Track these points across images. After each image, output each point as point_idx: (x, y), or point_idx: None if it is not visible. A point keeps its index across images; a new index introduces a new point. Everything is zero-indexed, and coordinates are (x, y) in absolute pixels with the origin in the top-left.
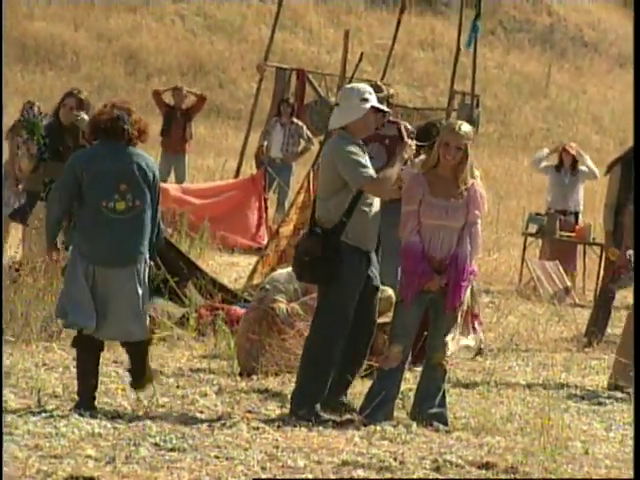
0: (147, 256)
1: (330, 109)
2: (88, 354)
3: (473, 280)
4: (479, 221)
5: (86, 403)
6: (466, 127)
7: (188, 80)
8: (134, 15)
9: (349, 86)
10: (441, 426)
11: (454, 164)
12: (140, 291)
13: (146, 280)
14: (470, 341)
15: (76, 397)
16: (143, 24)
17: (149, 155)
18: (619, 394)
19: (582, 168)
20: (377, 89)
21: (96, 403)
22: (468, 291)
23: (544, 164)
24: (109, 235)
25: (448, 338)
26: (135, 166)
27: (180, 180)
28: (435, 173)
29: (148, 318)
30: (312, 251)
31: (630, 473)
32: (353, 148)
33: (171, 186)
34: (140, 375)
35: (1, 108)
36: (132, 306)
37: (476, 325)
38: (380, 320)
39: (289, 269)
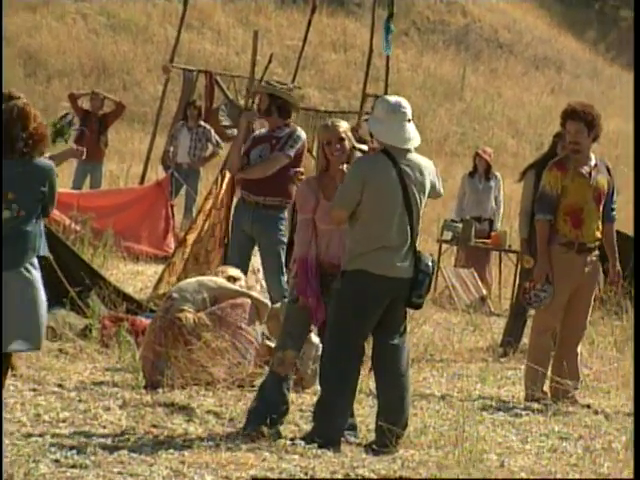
0: (34, 262)
1: (241, 112)
2: None
3: None
4: None
5: None
6: (338, 121)
7: (91, 82)
8: (33, 14)
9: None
10: (352, 438)
11: (345, 158)
12: (22, 301)
13: (33, 291)
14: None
15: None
16: (43, 23)
17: (46, 162)
18: (535, 405)
19: (497, 174)
20: (290, 89)
21: None
22: None
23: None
24: None
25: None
26: (25, 175)
27: (96, 188)
28: (328, 176)
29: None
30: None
31: None
32: None
33: (72, 192)
34: None
35: (0, 105)
36: (16, 315)
37: None
38: None
39: (198, 278)
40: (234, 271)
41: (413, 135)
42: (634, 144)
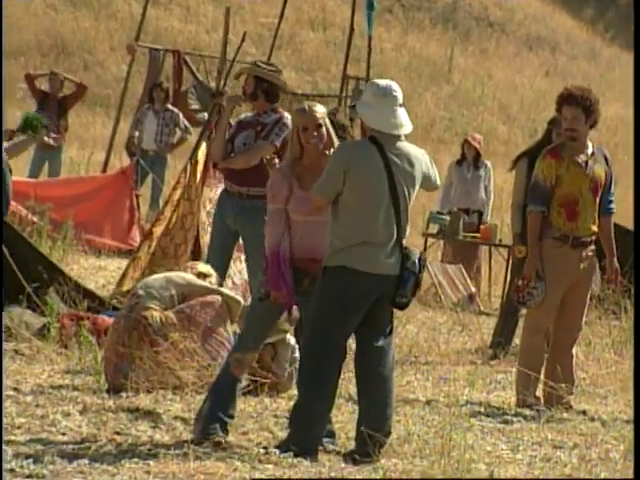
0: None
1: (212, 95)
2: None
3: None
4: None
5: None
6: (315, 105)
7: (49, 62)
8: None
9: None
10: (331, 446)
11: (323, 146)
12: None
13: None
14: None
15: None
16: None
17: None
18: (527, 411)
19: (486, 162)
20: (278, 71)
21: None
22: None
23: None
24: None
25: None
26: None
27: (54, 176)
28: (302, 164)
29: None
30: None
31: None
32: None
33: (29, 181)
34: None
35: (1, 108)
36: None
37: None
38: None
39: (165, 274)
40: (204, 267)
41: (404, 121)
42: (634, 131)
